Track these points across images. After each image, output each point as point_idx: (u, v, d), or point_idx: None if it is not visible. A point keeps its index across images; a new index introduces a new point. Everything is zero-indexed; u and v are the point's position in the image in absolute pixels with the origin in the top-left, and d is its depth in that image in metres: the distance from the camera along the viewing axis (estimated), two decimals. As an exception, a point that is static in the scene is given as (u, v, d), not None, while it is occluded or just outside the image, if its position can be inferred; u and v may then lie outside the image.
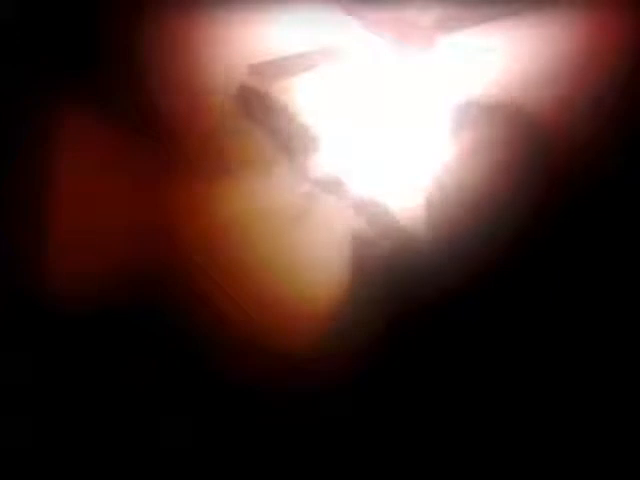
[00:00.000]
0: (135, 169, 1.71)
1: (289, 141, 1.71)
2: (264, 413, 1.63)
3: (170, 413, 1.65)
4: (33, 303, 1.66)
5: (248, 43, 1.70)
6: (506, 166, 1.65)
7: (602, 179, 1.63)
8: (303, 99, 1.72)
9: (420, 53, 1.71)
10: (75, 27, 1.71)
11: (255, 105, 1.73)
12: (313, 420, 1.62)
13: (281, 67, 1.72)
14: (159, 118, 1.71)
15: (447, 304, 1.62)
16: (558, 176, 1.64)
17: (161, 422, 1.64)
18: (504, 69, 1.67)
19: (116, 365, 1.66)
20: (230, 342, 1.63)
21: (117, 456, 1.64)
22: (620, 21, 1.65)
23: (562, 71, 1.65)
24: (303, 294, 1.66)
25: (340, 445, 1.62)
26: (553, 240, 1.63)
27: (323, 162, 1.72)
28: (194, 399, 1.65)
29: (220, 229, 1.69)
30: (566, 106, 1.65)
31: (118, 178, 1.70)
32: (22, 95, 1.71)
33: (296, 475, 1.62)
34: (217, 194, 1.70)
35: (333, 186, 1.70)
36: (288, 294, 1.67)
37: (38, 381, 1.65)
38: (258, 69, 1.72)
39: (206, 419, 1.64)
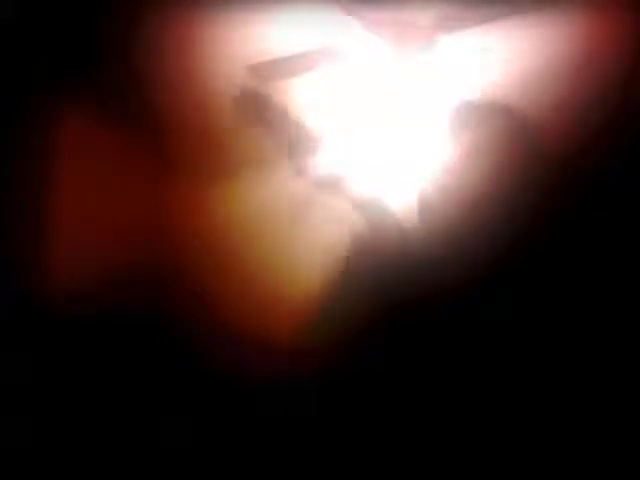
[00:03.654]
0: (135, 169, 1.71)
1: (289, 141, 1.72)
2: (263, 410, 1.63)
3: (169, 413, 1.65)
4: (33, 303, 1.66)
5: (248, 43, 1.71)
6: (504, 166, 1.65)
7: (601, 180, 1.63)
8: (303, 99, 1.73)
9: (420, 53, 1.72)
10: (75, 27, 1.71)
11: (255, 105, 1.73)
12: (312, 416, 1.62)
13: (281, 67, 1.72)
14: (159, 118, 1.71)
15: (443, 301, 1.62)
16: (556, 176, 1.64)
17: (160, 421, 1.64)
18: (504, 69, 1.68)
19: (116, 365, 1.66)
20: (229, 341, 1.63)
21: (117, 456, 1.64)
22: (620, 21, 1.65)
23: (562, 71, 1.65)
24: (303, 292, 1.66)
25: (339, 440, 1.62)
26: (551, 240, 1.63)
27: (323, 161, 1.72)
28: (193, 398, 1.65)
29: (219, 228, 1.69)
30: (565, 106, 1.65)
31: (118, 178, 1.70)
32: (22, 95, 1.71)
33: (292, 471, 1.62)
34: (217, 194, 1.70)
35: (332, 185, 1.70)
36: (287, 292, 1.67)
37: (38, 381, 1.65)
38: (258, 69, 1.72)
39: (206, 419, 1.64)
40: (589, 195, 1.63)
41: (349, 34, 1.71)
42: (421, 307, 1.63)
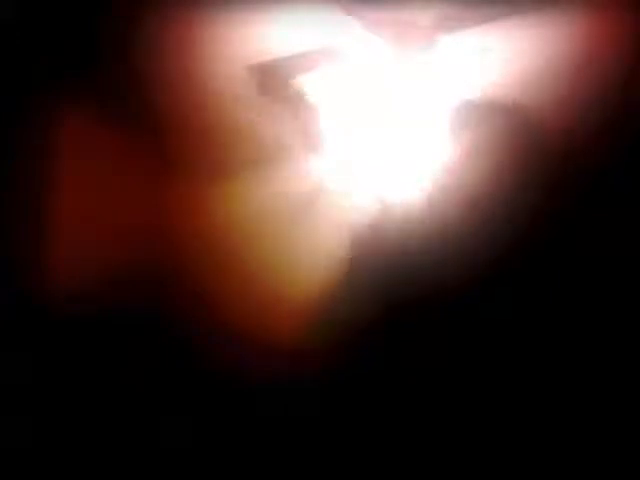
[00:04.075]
0: (135, 169, 1.71)
1: (289, 140, 1.72)
2: (263, 411, 1.63)
3: (169, 413, 1.65)
4: (33, 303, 1.66)
5: (248, 43, 1.71)
6: (504, 165, 1.65)
7: (601, 180, 1.63)
8: (303, 99, 1.73)
9: (420, 53, 1.72)
10: (75, 27, 1.71)
11: (254, 105, 1.73)
12: (312, 416, 1.62)
13: (281, 67, 1.72)
14: (159, 118, 1.71)
15: (443, 301, 1.62)
16: (556, 175, 1.64)
17: (161, 421, 1.64)
18: (504, 69, 1.68)
19: (116, 365, 1.66)
20: (230, 341, 1.63)
21: (117, 456, 1.64)
22: (620, 21, 1.65)
23: (562, 71, 1.65)
24: (303, 292, 1.66)
25: (340, 441, 1.62)
26: (551, 240, 1.63)
27: (323, 161, 1.72)
28: (193, 398, 1.65)
29: (219, 228, 1.69)
30: (565, 106, 1.65)
31: (118, 178, 1.70)
32: (22, 95, 1.71)
33: (292, 471, 1.62)
34: (217, 194, 1.70)
35: (333, 185, 1.70)
36: (288, 293, 1.67)
37: (38, 381, 1.65)
38: (258, 69, 1.72)
39: (206, 419, 1.64)
40: (589, 195, 1.63)
41: (349, 34, 1.71)
42: (421, 307, 1.63)
